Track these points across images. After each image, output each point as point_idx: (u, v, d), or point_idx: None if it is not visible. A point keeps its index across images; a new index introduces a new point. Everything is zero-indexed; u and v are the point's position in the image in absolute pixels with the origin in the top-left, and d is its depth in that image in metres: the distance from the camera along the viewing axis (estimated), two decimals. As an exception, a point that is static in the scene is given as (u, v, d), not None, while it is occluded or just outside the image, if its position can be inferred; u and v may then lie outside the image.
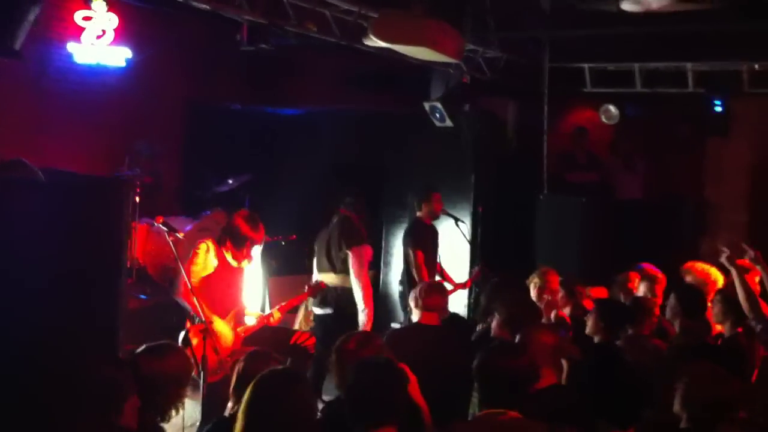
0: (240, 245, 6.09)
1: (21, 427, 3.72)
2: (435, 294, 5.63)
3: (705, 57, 9.30)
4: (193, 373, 5.75)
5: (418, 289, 5.70)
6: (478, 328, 5.89)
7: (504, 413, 3.64)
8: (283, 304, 6.54)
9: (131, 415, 3.52)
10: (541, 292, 6.31)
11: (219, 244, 6.09)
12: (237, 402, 3.92)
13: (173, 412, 3.84)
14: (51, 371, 3.84)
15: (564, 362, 4.80)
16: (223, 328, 5.99)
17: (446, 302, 5.84)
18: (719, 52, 9.13)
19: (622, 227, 10.03)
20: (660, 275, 6.77)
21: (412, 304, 5.66)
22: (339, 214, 7.51)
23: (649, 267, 6.95)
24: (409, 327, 5.90)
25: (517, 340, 4.56)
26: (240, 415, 3.20)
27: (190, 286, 5.68)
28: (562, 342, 4.89)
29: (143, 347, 3.93)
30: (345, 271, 7.25)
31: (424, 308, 5.52)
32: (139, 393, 3.63)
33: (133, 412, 3.53)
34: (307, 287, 6.99)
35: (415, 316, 5.62)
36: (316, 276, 7.43)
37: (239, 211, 6.30)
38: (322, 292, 7.18)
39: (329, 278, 7.29)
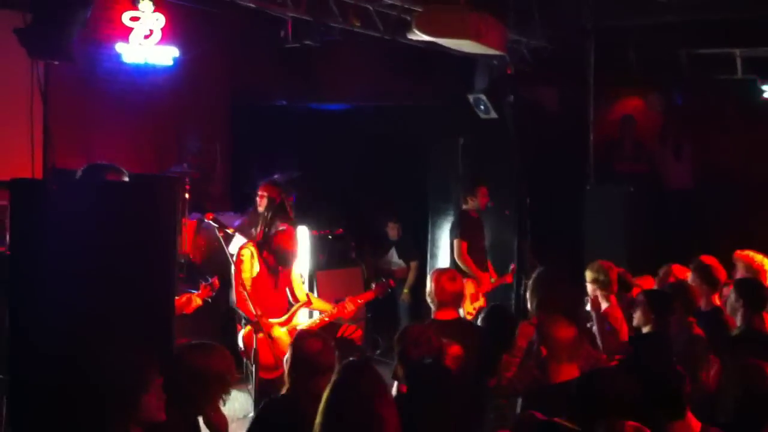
0: (284, 263, 6.21)
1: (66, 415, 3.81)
2: (447, 285, 5.18)
3: (754, 43, 9.13)
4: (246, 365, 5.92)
5: (431, 280, 5.24)
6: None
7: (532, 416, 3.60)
8: (359, 297, 6.57)
9: (155, 407, 3.58)
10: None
11: (260, 251, 6.16)
12: (291, 382, 4.08)
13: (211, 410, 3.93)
14: (107, 364, 3.93)
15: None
16: (280, 333, 6.07)
17: (457, 292, 5.28)
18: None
19: (671, 217, 9.93)
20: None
21: (428, 298, 5.27)
22: None
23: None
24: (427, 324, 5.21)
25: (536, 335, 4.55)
26: (321, 409, 3.23)
27: (248, 297, 5.79)
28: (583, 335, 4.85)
29: (189, 343, 4.01)
30: None
31: (439, 305, 5.19)
32: (178, 386, 3.72)
33: (158, 404, 3.59)
34: (374, 285, 6.95)
35: (433, 311, 5.27)
36: None
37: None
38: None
39: None
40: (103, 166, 5.11)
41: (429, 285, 5.29)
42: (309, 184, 9.34)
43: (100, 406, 3.60)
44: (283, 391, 4.15)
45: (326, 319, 6.27)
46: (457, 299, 5.32)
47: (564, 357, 4.34)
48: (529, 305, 5.71)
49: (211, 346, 4.07)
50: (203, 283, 6.64)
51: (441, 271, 5.44)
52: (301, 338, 4.31)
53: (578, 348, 4.53)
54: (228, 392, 3.96)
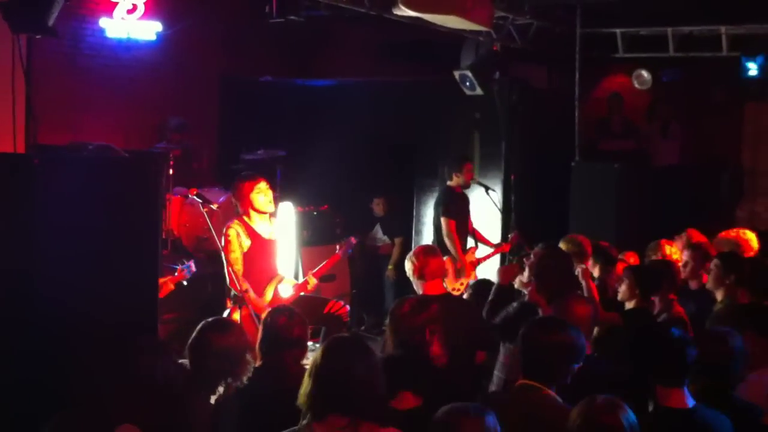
0: (258, 204, 6.18)
1: (62, 390, 3.81)
2: (432, 258, 5.21)
3: (739, 20, 9.13)
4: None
5: (413, 256, 5.26)
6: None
7: (540, 390, 3.67)
8: (316, 269, 6.57)
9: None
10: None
11: (243, 218, 6.14)
12: (261, 356, 4.16)
13: (244, 379, 4.00)
14: (93, 339, 3.93)
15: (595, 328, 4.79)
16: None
17: (443, 263, 5.38)
18: (754, 14, 8.96)
19: (657, 194, 9.95)
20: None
21: (413, 275, 5.23)
22: None
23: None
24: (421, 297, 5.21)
25: (552, 310, 4.57)
26: (306, 379, 3.26)
27: (234, 276, 5.80)
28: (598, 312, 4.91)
29: (205, 325, 4.03)
30: None
31: (428, 277, 5.16)
32: (212, 367, 3.84)
33: None
34: (338, 247, 6.99)
35: (418, 288, 5.22)
36: None
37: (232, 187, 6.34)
38: (355, 247, 7.19)
39: None
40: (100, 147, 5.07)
41: (411, 262, 5.28)
42: (294, 160, 9.32)
43: (88, 378, 3.61)
44: (256, 364, 4.19)
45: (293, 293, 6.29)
46: (442, 271, 5.35)
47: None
48: (519, 282, 5.73)
49: (228, 322, 4.16)
50: (179, 267, 6.58)
51: (420, 247, 5.53)
52: (269, 313, 4.38)
53: (593, 325, 4.57)
54: (252, 364, 4.03)
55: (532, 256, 5.64)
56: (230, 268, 5.88)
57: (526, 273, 5.61)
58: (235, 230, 6.07)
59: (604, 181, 9.34)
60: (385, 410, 3.32)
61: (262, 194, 6.15)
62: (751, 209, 10.81)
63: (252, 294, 5.94)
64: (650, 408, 3.74)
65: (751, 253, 6.45)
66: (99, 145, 5.11)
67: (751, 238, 6.64)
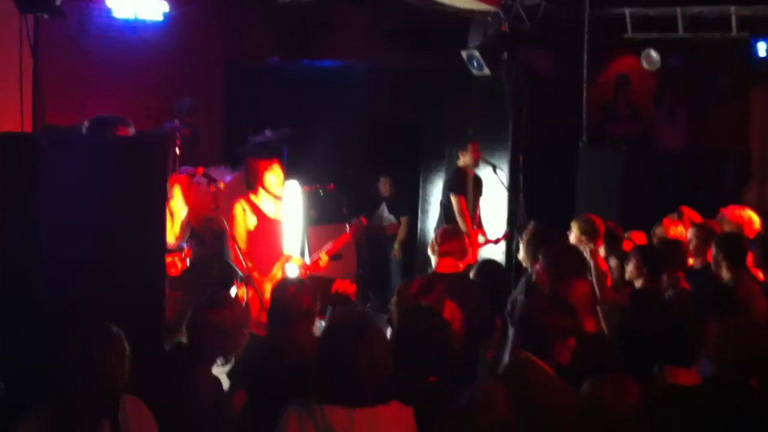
0: (269, 184, 6.24)
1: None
2: (451, 238, 5.40)
3: (749, 0, 9.07)
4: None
5: (433, 237, 5.48)
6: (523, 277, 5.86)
7: (535, 362, 3.74)
8: (329, 247, 6.59)
9: None
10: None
11: (249, 196, 6.17)
12: (269, 325, 4.23)
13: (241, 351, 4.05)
14: (100, 320, 3.95)
15: (599, 308, 4.82)
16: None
17: (463, 245, 5.53)
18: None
19: (663, 178, 9.95)
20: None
21: (430, 251, 5.45)
22: None
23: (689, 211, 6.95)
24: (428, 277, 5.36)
25: (552, 289, 4.60)
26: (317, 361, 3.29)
27: (240, 253, 5.82)
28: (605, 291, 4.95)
29: (200, 301, 4.03)
30: None
31: (441, 254, 5.33)
32: (209, 341, 3.85)
33: None
34: (348, 227, 7.01)
35: (433, 263, 5.42)
36: None
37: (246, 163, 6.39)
38: (364, 230, 7.25)
39: None
40: (110, 120, 5.09)
41: (431, 241, 5.41)
42: (301, 140, 9.32)
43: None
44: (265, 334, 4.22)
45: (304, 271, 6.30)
46: (460, 252, 5.39)
47: (583, 311, 4.37)
48: (523, 262, 5.78)
49: (223, 298, 4.15)
50: (186, 247, 6.59)
51: (444, 227, 5.82)
52: (279, 283, 4.41)
53: (594, 302, 4.60)
54: (246, 336, 4.09)
55: (524, 234, 5.73)
56: (235, 246, 5.92)
57: (521, 249, 5.76)
58: (240, 206, 6.12)
59: (610, 164, 9.33)
60: (393, 387, 3.34)
61: (273, 175, 6.20)
62: (759, 192, 10.77)
63: (256, 274, 5.98)
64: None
65: (753, 233, 6.46)
66: (106, 118, 5.14)
67: (753, 217, 6.64)
